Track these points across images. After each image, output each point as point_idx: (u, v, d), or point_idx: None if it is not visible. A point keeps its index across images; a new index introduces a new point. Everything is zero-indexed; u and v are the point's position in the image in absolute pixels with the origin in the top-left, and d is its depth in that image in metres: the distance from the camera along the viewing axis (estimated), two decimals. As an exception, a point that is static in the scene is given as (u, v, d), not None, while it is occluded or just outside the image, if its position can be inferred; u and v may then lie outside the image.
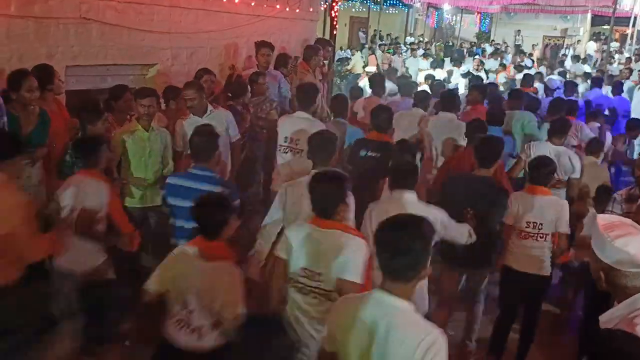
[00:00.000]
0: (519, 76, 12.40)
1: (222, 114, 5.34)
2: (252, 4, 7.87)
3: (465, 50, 21.00)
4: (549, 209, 4.29)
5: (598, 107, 8.75)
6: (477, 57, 16.67)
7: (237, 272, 3.06)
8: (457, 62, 14.91)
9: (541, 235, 4.31)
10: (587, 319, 4.44)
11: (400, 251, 2.19)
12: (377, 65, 15.84)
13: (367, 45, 18.49)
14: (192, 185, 3.90)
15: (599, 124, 7.62)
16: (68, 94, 5.42)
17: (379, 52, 17.74)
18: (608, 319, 2.19)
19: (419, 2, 17.99)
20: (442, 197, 4.48)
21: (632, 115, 10.15)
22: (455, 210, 3.99)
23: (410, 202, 3.76)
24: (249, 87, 6.48)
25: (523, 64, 16.38)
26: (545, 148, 5.51)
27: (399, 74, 12.40)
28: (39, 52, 5.13)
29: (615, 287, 2.18)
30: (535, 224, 4.31)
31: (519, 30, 26.33)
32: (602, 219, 2.24)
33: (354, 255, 2.93)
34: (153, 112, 4.89)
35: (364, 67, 15.44)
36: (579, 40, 25.35)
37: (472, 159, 4.61)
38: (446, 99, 6.38)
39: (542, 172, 4.37)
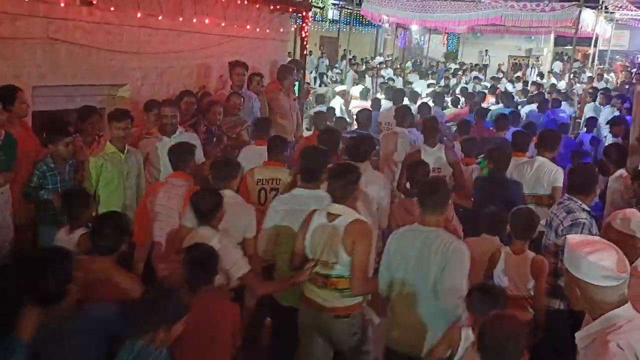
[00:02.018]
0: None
1: (190, 137, 5.27)
2: (223, 24, 7.87)
3: (434, 68, 21.51)
4: None
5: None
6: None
7: None
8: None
9: None
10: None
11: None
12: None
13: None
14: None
15: None
16: (35, 115, 5.31)
17: (350, 72, 17.87)
18: (584, 335, 2.21)
19: (388, 23, 18.20)
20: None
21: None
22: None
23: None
24: (219, 108, 6.30)
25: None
26: None
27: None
28: (5, 72, 5.02)
29: (592, 304, 2.18)
30: None
31: (487, 50, 26.93)
32: (572, 238, 2.26)
33: None
34: (128, 134, 4.84)
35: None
36: (540, 56, 26.25)
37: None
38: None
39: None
